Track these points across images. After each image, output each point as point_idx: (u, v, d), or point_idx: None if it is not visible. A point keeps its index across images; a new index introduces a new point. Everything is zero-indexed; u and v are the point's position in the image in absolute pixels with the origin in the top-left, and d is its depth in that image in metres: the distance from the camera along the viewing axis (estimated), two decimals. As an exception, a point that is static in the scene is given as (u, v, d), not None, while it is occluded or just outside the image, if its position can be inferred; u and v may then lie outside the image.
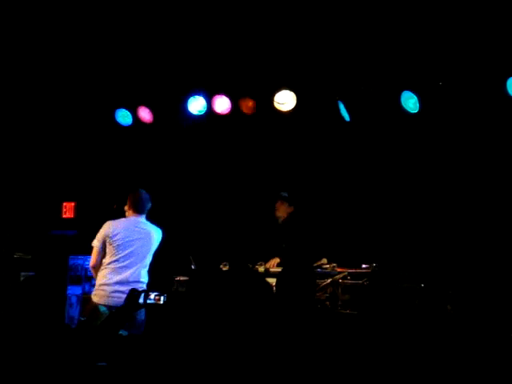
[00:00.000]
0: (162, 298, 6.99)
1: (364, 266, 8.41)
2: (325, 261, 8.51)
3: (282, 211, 9.11)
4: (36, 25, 9.29)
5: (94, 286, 8.55)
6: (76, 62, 10.01)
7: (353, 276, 8.26)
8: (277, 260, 8.75)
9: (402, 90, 8.95)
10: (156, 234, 7.89)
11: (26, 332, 4.66)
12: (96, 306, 7.78)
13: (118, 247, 7.62)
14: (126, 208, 7.91)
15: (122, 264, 7.63)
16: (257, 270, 8.65)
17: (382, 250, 9.04)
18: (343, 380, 4.22)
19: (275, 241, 9.04)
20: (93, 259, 7.76)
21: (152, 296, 7.10)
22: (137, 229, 7.76)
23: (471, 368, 4.58)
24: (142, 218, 7.85)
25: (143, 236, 7.77)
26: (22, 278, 9.87)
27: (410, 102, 8.95)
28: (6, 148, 11.13)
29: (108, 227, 7.69)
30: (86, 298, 9.80)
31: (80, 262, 10.57)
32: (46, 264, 9.44)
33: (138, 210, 7.85)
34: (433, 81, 8.81)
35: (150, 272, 7.85)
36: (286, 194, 9.10)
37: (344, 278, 8.25)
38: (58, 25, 9.30)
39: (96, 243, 7.70)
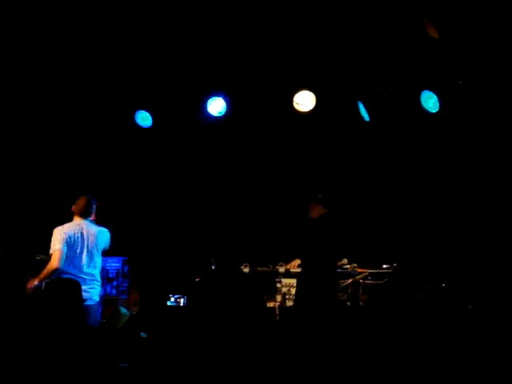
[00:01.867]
0: (182, 300, 7.04)
1: (385, 266, 8.41)
2: (345, 261, 8.51)
3: (316, 212, 9.04)
4: (56, 26, 9.31)
5: (115, 287, 8.61)
6: (97, 64, 10.03)
7: (373, 276, 8.26)
8: (297, 261, 8.74)
9: (422, 90, 8.91)
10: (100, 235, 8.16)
11: (49, 333, 4.69)
12: (117, 307, 7.82)
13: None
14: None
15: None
16: (277, 270, 8.66)
17: (403, 251, 9.01)
18: (364, 378, 4.22)
19: (304, 241, 8.97)
20: (60, 262, 7.83)
21: (172, 298, 7.15)
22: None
23: (492, 368, 4.56)
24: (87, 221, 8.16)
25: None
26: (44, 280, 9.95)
27: (430, 102, 8.91)
28: (27, 152, 11.18)
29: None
30: (107, 299, 9.84)
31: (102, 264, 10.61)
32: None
33: (82, 215, 8.16)
34: (453, 80, 8.78)
35: (171, 274, 7.92)
36: (322, 196, 9.04)
37: (365, 278, 8.25)
38: (78, 26, 9.32)
39: (59, 246, 7.84)
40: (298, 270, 8.53)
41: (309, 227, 8.98)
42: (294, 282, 8.60)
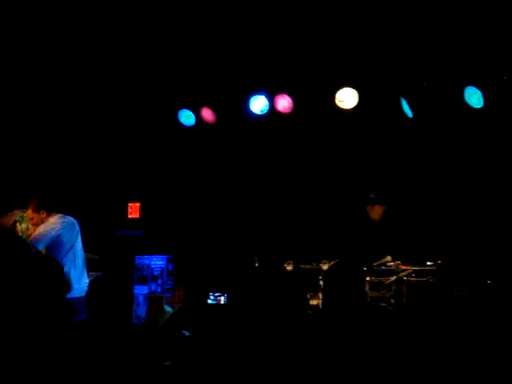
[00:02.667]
0: (222, 298, 7.07)
1: (429, 263, 8.35)
2: (389, 258, 8.47)
3: (376, 214, 9.02)
4: (102, 27, 9.41)
5: (160, 285, 8.70)
6: (140, 63, 10.11)
7: (417, 273, 8.20)
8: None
9: (466, 85, 8.84)
10: None
11: (94, 331, 4.74)
12: (161, 305, 7.90)
13: None
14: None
15: None
16: (320, 267, 8.64)
17: (448, 247, 8.94)
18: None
19: (374, 242, 8.93)
20: None
21: (212, 296, 7.19)
22: None
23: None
24: None
25: None
26: (90, 279, 10.05)
27: (474, 97, 8.83)
28: (72, 150, 11.31)
29: None
30: (152, 297, 9.91)
31: (146, 261, 10.68)
32: (113, 264, 9.56)
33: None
34: (497, 75, 8.69)
35: (214, 272, 7.98)
36: (375, 195, 9.02)
37: (409, 275, 8.20)
38: (123, 27, 9.42)
39: None
40: None
41: (373, 229, 8.95)
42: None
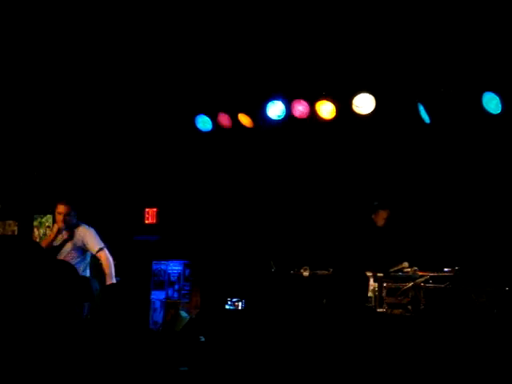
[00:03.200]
0: (240, 303, 7.07)
1: (446, 269, 8.32)
2: (406, 264, 8.45)
3: (380, 220, 9.07)
4: (118, 30, 9.45)
5: (177, 291, 8.72)
6: (159, 69, 10.15)
7: (435, 279, 8.18)
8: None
9: (484, 91, 8.80)
10: None
11: (112, 336, 4.74)
12: (178, 311, 7.92)
13: None
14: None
15: None
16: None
17: (465, 253, 8.91)
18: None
19: (376, 246, 8.94)
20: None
21: (230, 302, 7.19)
22: None
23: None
24: None
25: None
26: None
27: (492, 103, 8.79)
28: (89, 155, 11.36)
29: None
30: (169, 302, 9.93)
31: (163, 267, 10.71)
32: (130, 269, 9.58)
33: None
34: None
35: (231, 277, 7.99)
36: (377, 203, 9.07)
37: (426, 281, 8.18)
38: (141, 33, 9.46)
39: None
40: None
41: (377, 235, 8.96)
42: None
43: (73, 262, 8.18)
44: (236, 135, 10.72)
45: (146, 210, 11.63)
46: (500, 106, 8.74)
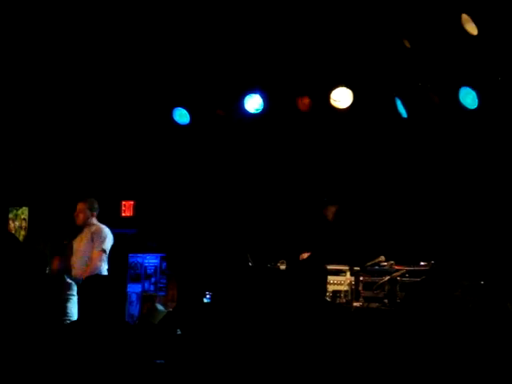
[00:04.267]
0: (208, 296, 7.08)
1: (422, 263, 8.36)
2: (382, 258, 8.48)
3: (330, 214, 9.14)
4: (96, 24, 9.42)
5: (153, 284, 8.73)
6: (135, 62, 10.11)
7: (411, 273, 8.21)
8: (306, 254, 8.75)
9: (460, 86, 8.85)
10: None
11: (87, 329, 4.73)
12: (154, 304, 7.92)
13: None
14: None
15: None
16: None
17: (441, 247, 8.96)
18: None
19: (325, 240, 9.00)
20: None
21: (208, 295, 7.20)
22: None
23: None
24: None
25: None
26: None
27: (469, 98, 8.84)
28: (67, 148, 11.30)
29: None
30: (145, 295, 9.90)
31: (139, 260, 10.68)
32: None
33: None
34: (492, 76, 8.70)
35: (206, 270, 8.01)
36: (326, 199, 9.16)
37: (402, 275, 8.21)
38: (117, 25, 9.42)
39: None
40: (338, 266, 8.55)
41: (326, 229, 9.04)
42: (330, 278, 8.57)
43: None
44: (213, 128, 10.71)
45: (123, 202, 11.58)
46: (476, 100, 8.79)
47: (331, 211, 9.15)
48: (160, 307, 8.93)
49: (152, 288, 9.43)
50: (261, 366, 4.30)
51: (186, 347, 4.55)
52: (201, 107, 10.55)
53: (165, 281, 10.43)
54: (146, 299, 9.98)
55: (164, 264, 10.56)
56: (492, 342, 4.76)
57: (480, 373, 4.42)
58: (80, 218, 8.83)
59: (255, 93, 10.07)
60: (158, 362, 4.76)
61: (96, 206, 8.99)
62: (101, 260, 8.62)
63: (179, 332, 5.20)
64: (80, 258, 8.69)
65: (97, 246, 8.63)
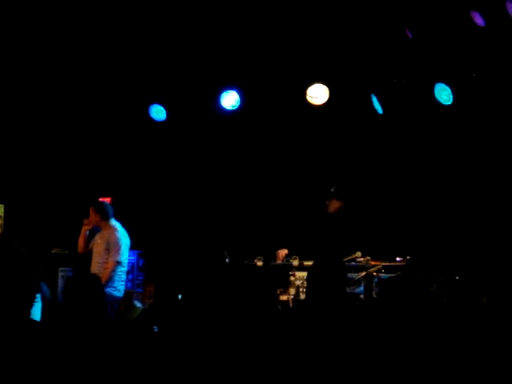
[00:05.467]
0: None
1: (398, 258, 8.40)
2: (359, 254, 8.51)
3: (332, 207, 9.06)
4: (71, 22, 9.38)
5: (130, 281, 8.76)
6: (111, 58, 10.08)
7: (387, 269, 8.26)
8: (285, 251, 8.74)
9: (436, 82, 8.90)
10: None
11: (67, 326, 4.72)
12: (131, 301, 7.92)
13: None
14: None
15: None
16: (291, 263, 8.64)
17: (417, 243, 9.01)
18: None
19: (323, 235, 8.96)
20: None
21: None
22: None
23: (506, 362, 4.56)
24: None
25: None
26: (60, 274, 10.01)
27: (444, 94, 8.90)
28: (43, 145, 11.24)
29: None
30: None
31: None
32: (83, 260, 9.52)
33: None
34: (466, 72, 8.76)
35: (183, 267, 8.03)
36: (334, 190, 9.06)
37: (378, 271, 8.26)
38: (91, 22, 9.38)
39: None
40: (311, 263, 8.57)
41: (328, 222, 8.99)
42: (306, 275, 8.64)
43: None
44: (190, 125, 10.70)
45: (100, 199, 11.54)
46: (451, 96, 8.85)
47: (333, 204, 9.03)
48: (137, 304, 8.92)
49: (129, 285, 9.42)
50: (238, 362, 4.31)
51: (162, 343, 4.56)
52: (177, 104, 10.54)
53: (142, 278, 10.42)
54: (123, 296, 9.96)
55: (141, 261, 10.55)
56: (467, 337, 4.80)
57: (455, 367, 4.46)
58: (91, 221, 9.25)
59: (232, 89, 10.08)
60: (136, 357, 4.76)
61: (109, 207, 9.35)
62: (114, 270, 8.87)
63: (156, 329, 5.21)
64: (96, 264, 9.05)
65: (112, 255, 8.86)
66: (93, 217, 9.21)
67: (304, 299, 8.05)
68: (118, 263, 8.88)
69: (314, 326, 4.56)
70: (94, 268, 8.91)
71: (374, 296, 8.05)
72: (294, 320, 4.78)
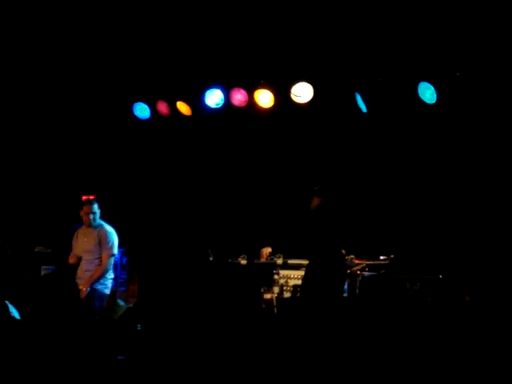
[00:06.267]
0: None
1: (382, 257, 8.43)
2: (343, 252, 8.52)
3: (313, 204, 9.05)
4: (57, 22, 9.35)
5: (113, 279, 8.74)
6: (95, 56, 10.05)
7: (370, 267, 8.28)
8: (269, 249, 8.72)
9: (419, 81, 8.92)
10: None
11: (48, 324, 4.70)
12: (115, 299, 7.91)
13: None
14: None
15: None
16: (275, 261, 8.65)
17: (400, 242, 9.03)
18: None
19: (305, 233, 8.95)
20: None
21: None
22: None
23: (489, 361, 4.58)
24: None
25: None
26: (42, 272, 9.98)
27: (427, 93, 8.92)
28: (26, 143, 11.19)
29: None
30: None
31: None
32: (66, 258, 9.48)
33: None
34: (450, 71, 8.79)
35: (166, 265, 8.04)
36: (317, 187, 9.06)
37: (362, 269, 8.28)
38: (76, 22, 9.36)
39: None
40: (297, 261, 8.58)
41: (308, 219, 8.99)
42: (291, 273, 8.64)
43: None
44: (174, 123, 10.69)
45: (83, 197, 11.50)
46: (435, 95, 8.88)
47: (314, 201, 9.01)
48: (121, 302, 8.90)
49: (113, 283, 9.38)
50: (222, 360, 4.31)
51: (146, 343, 4.55)
52: (162, 101, 10.53)
53: (125, 276, 10.39)
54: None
55: (125, 259, 10.52)
56: (450, 336, 4.82)
57: (438, 365, 4.47)
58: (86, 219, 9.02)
59: (216, 88, 10.07)
60: (120, 358, 4.74)
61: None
62: (110, 263, 8.84)
63: (139, 327, 5.20)
64: (86, 261, 8.92)
65: (107, 248, 8.80)
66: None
67: (299, 295, 8.05)
68: (113, 255, 8.84)
69: (311, 322, 4.56)
70: (85, 266, 8.81)
71: (357, 295, 8.07)
72: (282, 317, 4.79)
